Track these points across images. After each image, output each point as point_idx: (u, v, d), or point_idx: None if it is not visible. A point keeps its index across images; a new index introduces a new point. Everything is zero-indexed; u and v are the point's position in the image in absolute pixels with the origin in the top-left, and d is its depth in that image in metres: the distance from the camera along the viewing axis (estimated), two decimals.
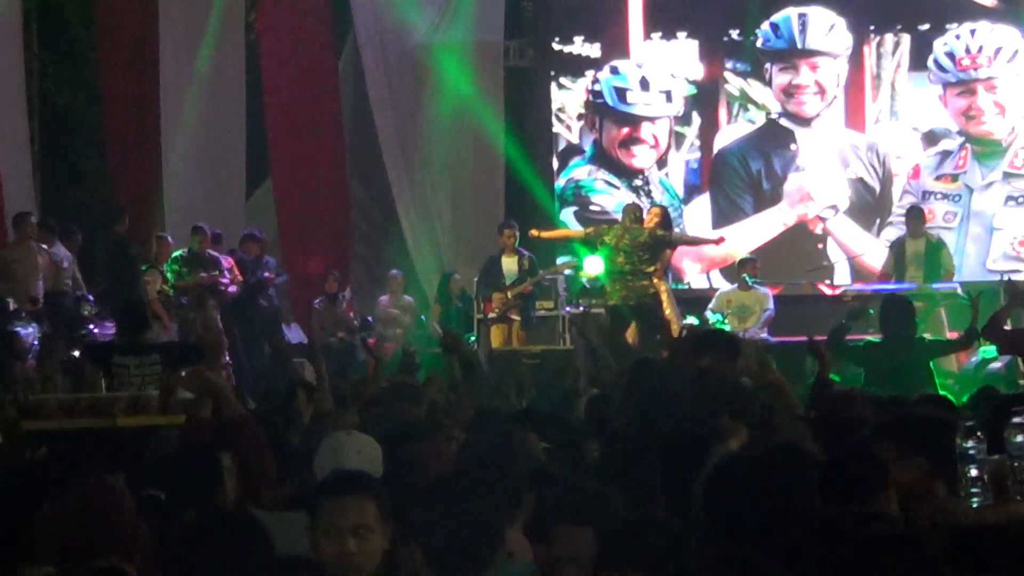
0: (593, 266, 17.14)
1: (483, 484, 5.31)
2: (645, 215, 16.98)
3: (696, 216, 20.59)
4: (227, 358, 17.82)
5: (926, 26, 20.30)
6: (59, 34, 19.96)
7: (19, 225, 17.17)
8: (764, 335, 17.46)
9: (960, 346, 12.75)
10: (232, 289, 18.28)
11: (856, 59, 20.42)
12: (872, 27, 20.51)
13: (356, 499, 5.06)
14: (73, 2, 19.95)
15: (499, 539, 5.01)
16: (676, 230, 18.06)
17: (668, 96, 20.60)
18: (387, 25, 20.55)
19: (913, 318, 11.70)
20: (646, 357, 9.57)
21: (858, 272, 19.83)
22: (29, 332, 16.62)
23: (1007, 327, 11.73)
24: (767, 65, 20.57)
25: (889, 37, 20.52)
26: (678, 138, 20.78)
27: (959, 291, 16.91)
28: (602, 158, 20.78)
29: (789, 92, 20.39)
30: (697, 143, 20.87)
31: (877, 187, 20.27)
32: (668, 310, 16.51)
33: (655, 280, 16.50)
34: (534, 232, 17.57)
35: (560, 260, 19.53)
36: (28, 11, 19.50)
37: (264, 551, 4.93)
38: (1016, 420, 5.27)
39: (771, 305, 17.85)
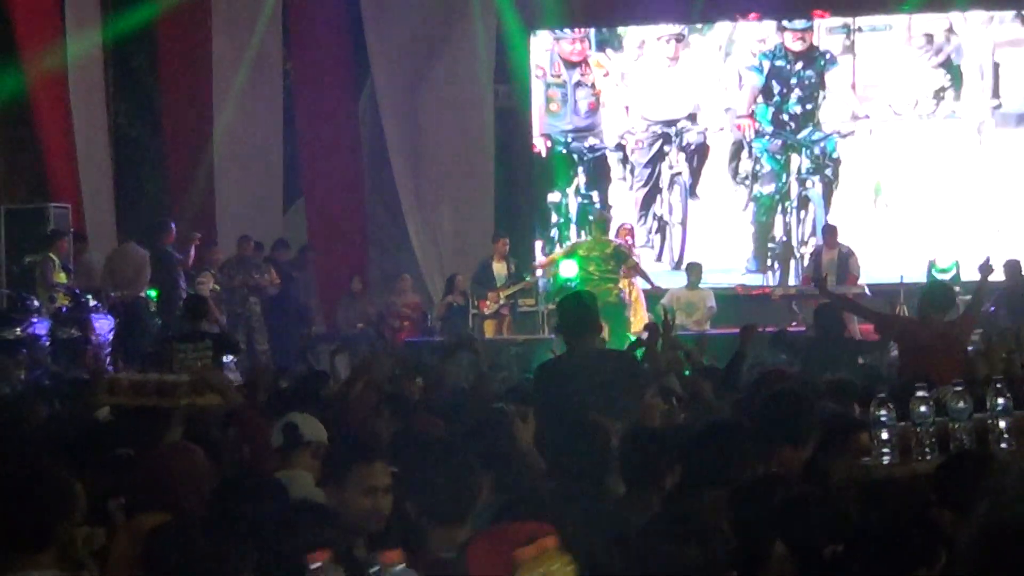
0: (568, 270, 17.28)
1: (467, 453, 5.27)
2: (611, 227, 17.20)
3: None
4: (266, 345, 17.94)
5: None
6: (129, 79, 19.95)
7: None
8: (707, 328, 17.52)
9: (877, 345, 12.30)
10: (271, 290, 18.33)
11: None
12: None
13: (382, 463, 5.08)
14: (141, 52, 19.92)
15: (475, 496, 4.92)
16: (634, 258, 17.61)
17: None
18: (398, 70, 20.59)
19: (840, 320, 11.78)
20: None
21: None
22: (105, 322, 16.66)
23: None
24: None
25: None
26: None
27: (867, 291, 16.95)
28: None
29: None
30: None
31: None
32: (632, 310, 16.69)
33: (620, 285, 16.66)
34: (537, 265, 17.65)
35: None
36: (105, 60, 19.54)
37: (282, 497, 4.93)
38: (920, 394, 5.34)
39: (713, 303, 17.90)
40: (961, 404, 5.28)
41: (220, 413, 7.16)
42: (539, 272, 18.31)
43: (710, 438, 5.20)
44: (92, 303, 16.31)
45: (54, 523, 4.10)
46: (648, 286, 17.57)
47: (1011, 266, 16.54)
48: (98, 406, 8.15)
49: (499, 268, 18.19)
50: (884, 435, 5.25)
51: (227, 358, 13.71)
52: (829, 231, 18.36)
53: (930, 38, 18.50)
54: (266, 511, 4.59)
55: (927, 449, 5.25)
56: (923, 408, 5.29)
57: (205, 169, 19.86)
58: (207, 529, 4.19)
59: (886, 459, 5.21)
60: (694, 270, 18.23)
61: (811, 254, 18.69)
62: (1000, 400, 5.29)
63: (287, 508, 4.65)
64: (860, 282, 17.42)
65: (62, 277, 16.51)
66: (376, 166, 20.90)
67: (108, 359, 16.07)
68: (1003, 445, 5.21)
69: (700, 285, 17.92)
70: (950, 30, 18.41)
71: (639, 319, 16.87)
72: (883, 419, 5.26)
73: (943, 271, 17.59)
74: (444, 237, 20.60)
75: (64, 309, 16.12)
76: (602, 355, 7.82)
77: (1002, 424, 5.28)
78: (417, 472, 4.99)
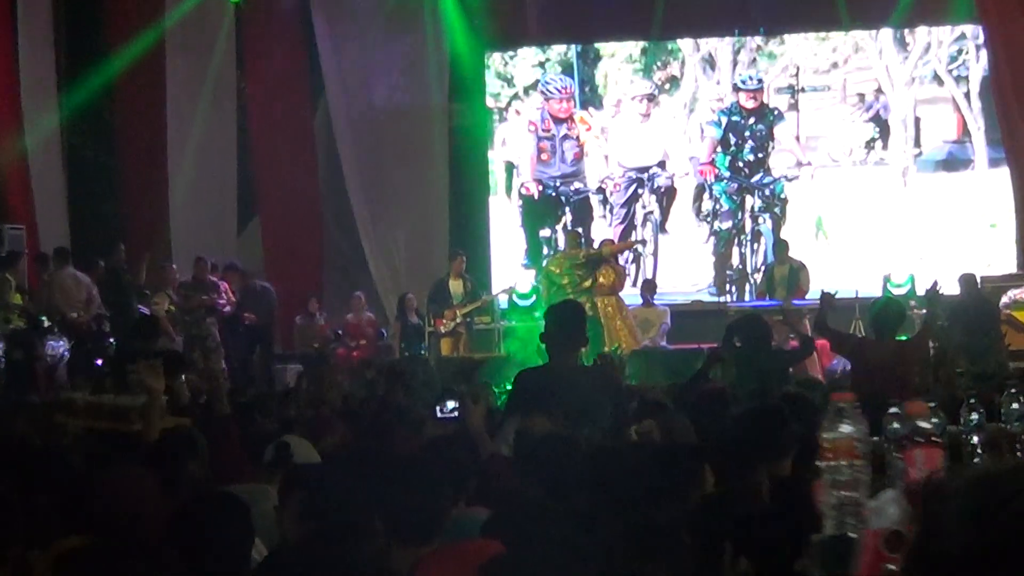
0: (524, 284, 17.61)
1: (436, 469, 5.22)
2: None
3: None
4: (224, 364, 17.85)
5: None
6: (83, 98, 19.88)
7: (58, 257, 17.13)
8: (663, 343, 17.62)
9: (803, 354, 12.31)
10: (227, 309, 18.27)
11: None
12: None
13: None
14: (96, 75, 19.84)
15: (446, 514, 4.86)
16: (595, 245, 18.18)
17: None
18: (351, 89, 20.60)
19: (767, 332, 11.81)
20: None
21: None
22: (59, 345, 16.57)
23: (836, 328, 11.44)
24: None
25: None
26: None
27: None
28: None
29: None
30: None
31: None
32: (609, 322, 16.71)
33: (595, 296, 16.68)
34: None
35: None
36: (59, 81, 19.47)
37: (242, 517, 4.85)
38: (893, 411, 5.37)
39: (668, 319, 18.03)
40: (934, 420, 5.31)
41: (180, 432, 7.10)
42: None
43: (678, 457, 5.22)
44: (46, 324, 16.20)
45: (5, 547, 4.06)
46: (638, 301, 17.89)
47: (967, 280, 16.51)
48: (53, 427, 8.11)
49: (455, 286, 18.18)
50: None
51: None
52: (780, 246, 18.57)
53: (862, 97, 20.64)
54: (227, 532, 4.56)
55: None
56: (896, 424, 5.31)
57: (159, 189, 19.80)
58: (141, 552, 4.13)
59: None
60: (648, 287, 18.39)
61: (763, 269, 19.07)
62: (974, 415, 5.32)
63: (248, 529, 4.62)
64: (808, 296, 17.54)
65: (18, 298, 16.42)
66: (332, 183, 20.87)
67: (67, 380, 16.01)
68: (976, 460, 5.24)
69: (656, 302, 18.12)
70: (879, 90, 20.51)
71: (625, 333, 17.00)
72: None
73: (898, 286, 17.76)
74: (399, 255, 20.59)
75: (19, 331, 16.01)
76: (583, 370, 7.63)
77: (975, 439, 5.30)
78: (385, 490, 4.89)
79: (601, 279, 16.89)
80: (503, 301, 18.97)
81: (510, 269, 20.22)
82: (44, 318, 16.36)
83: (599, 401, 6.95)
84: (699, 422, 6.67)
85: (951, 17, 19.97)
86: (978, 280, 16.69)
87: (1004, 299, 16.82)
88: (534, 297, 18.34)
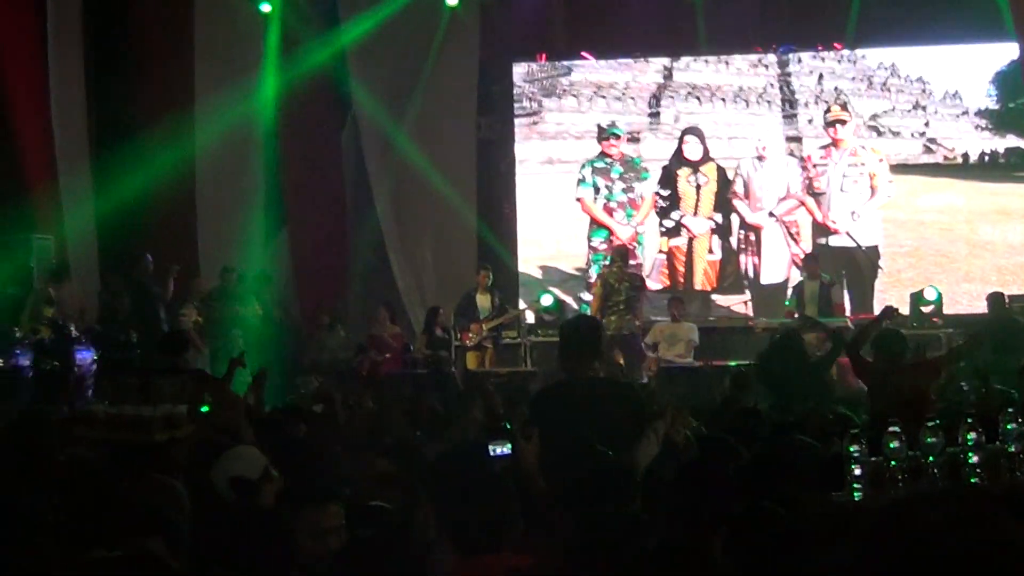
0: (547, 299, 17.86)
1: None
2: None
3: None
4: (249, 377, 17.83)
5: None
6: (111, 109, 19.99)
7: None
8: (689, 359, 17.62)
9: (835, 353, 12.29)
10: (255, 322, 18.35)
11: None
12: None
13: (336, 505, 5.06)
14: (121, 82, 19.98)
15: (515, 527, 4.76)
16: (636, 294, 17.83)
17: None
18: (380, 103, 20.65)
19: (803, 351, 11.80)
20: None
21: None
22: (86, 355, 16.66)
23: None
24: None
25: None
26: None
27: (849, 324, 17.01)
28: None
29: None
30: None
31: None
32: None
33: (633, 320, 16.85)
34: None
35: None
36: (88, 90, 19.56)
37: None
38: (892, 429, 5.38)
39: (695, 336, 18.03)
40: (933, 439, 5.32)
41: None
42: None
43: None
44: (74, 334, 16.31)
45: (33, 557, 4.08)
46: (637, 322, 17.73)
47: (995, 299, 16.55)
48: (73, 439, 8.15)
49: (483, 300, 18.25)
50: (857, 471, 5.29)
51: None
52: (810, 261, 18.47)
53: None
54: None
55: (900, 484, 5.28)
56: (895, 444, 5.32)
57: (187, 199, 19.89)
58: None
59: (857, 494, 5.25)
60: (676, 304, 18.37)
61: (793, 286, 18.85)
62: (972, 435, 5.33)
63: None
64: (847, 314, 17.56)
65: (48, 311, 16.53)
66: (359, 195, 20.92)
67: (90, 391, 16.09)
68: (974, 480, 5.25)
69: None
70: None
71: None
72: (855, 454, 5.30)
73: (928, 303, 17.70)
74: (426, 269, 20.64)
75: (47, 341, 16.11)
76: (603, 384, 7.58)
77: (974, 458, 5.31)
78: (447, 503, 4.85)
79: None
80: (530, 316, 18.98)
81: (536, 284, 20.21)
82: (72, 328, 16.46)
83: (617, 414, 6.97)
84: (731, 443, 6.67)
85: None
86: (1006, 299, 16.67)
87: None
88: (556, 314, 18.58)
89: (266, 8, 20.36)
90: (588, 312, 17.36)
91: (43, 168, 18.76)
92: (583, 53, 20.92)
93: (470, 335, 18.05)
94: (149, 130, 19.95)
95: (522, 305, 19.31)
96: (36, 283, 17.10)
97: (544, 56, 21.04)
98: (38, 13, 18.78)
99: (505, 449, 5.93)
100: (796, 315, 17.57)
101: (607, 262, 18.50)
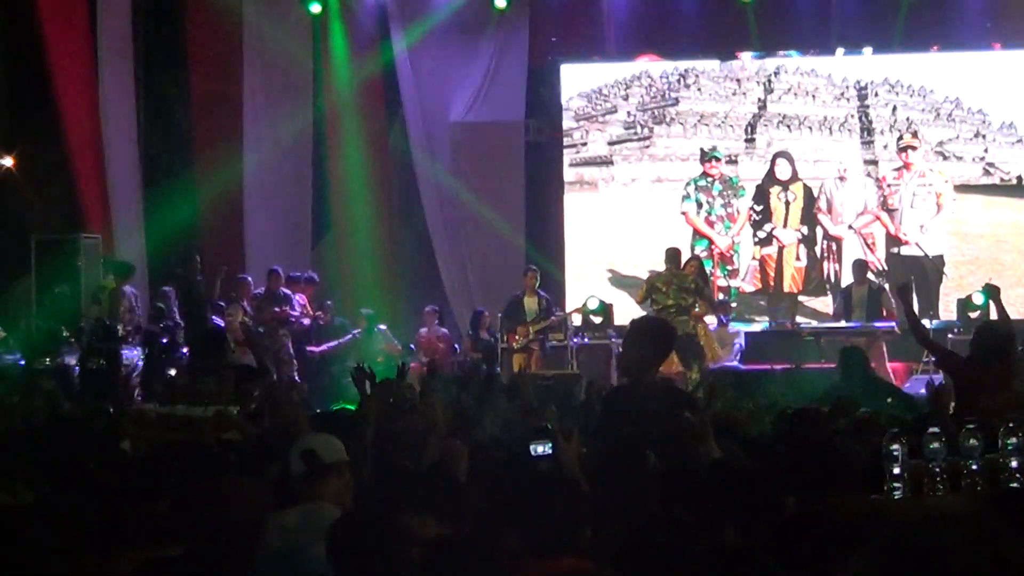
0: (593, 303, 18.20)
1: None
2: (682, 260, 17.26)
3: None
4: (295, 376, 17.93)
5: None
6: (161, 110, 20.13)
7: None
8: (735, 363, 17.58)
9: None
10: (305, 321, 18.43)
11: None
12: None
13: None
14: (173, 83, 20.11)
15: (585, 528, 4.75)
16: (707, 289, 17.94)
17: None
18: (428, 104, 20.71)
19: (865, 360, 11.70)
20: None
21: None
22: (133, 354, 16.78)
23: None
24: None
25: None
26: None
27: (896, 328, 17.03)
28: None
29: None
30: None
31: None
32: (704, 342, 16.82)
33: (694, 318, 16.80)
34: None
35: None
36: (137, 92, 19.70)
37: None
38: (932, 430, 5.33)
39: (742, 339, 18.09)
40: (972, 442, 5.28)
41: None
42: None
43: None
44: (121, 333, 16.42)
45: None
46: (714, 322, 17.82)
47: None
48: (124, 438, 8.17)
49: (530, 303, 18.25)
50: (896, 470, 5.24)
51: None
52: (858, 266, 18.63)
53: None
54: None
55: (939, 486, 5.24)
56: (936, 445, 5.28)
57: (236, 203, 20.00)
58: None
59: (897, 494, 5.20)
60: (723, 307, 18.37)
61: (841, 291, 19.12)
62: (1012, 439, 5.27)
63: None
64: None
65: (94, 310, 16.67)
66: (406, 197, 20.96)
67: (137, 391, 16.20)
68: (1013, 484, 5.20)
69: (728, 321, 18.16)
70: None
71: (717, 350, 17.41)
72: (895, 454, 5.24)
73: (976, 307, 17.63)
74: (474, 271, 20.67)
75: (93, 340, 16.22)
76: (664, 389, 7.55)
77: (1014, 463, 5.26)
78: (518, 503, 4.81)
79: (697, 308, 17.05)
80: (576, 319, 18.96)
81: (584, 287, 20.18)
82: (120, 327, 16.57)
83: (674, 418, 6.93)
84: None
85: None
86: None
87: None
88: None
89: (316, 9, 20.45)
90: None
91: (93, 169, 18.92)
92: (641, 56, 20.98)
93: (517, 337, 18.08)
94: (199, 132, 20.10)
95: (568, 308, 19.29)
96: (83, 281, 17.23)
97: (599, 57, 21.13)
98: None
99: (547, 448, 5.92)
100: (842, 320, 17.70)
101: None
